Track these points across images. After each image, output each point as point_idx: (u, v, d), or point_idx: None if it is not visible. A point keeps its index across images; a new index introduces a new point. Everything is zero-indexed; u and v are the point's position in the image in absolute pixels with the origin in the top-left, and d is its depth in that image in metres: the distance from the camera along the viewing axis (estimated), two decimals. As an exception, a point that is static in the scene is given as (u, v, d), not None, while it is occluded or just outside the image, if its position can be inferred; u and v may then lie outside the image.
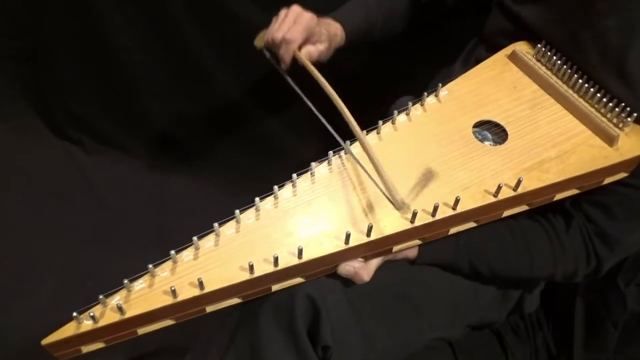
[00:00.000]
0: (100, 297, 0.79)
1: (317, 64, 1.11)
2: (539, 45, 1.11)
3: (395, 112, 1.04)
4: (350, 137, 0.98)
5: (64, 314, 0.78)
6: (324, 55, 1.16)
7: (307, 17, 1.11)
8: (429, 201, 0.90)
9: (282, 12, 1.13)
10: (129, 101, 1.90)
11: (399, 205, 0.90)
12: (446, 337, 1.27)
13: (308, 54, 1.11)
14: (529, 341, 1.49)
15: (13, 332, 1.55)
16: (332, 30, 1.19)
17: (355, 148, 0.99)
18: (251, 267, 0.82)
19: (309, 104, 1.07)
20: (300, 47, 1.10)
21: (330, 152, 0.97)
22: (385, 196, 0.91)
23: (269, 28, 1.14)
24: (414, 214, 0.87)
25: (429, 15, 1.38)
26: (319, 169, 0.97)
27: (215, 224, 0.87)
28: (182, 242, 0.87)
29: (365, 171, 0.95)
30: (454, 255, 1.06)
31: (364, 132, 1.01)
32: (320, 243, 0.87)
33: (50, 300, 1.62)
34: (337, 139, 1.00)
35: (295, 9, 1.12)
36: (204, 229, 0.88)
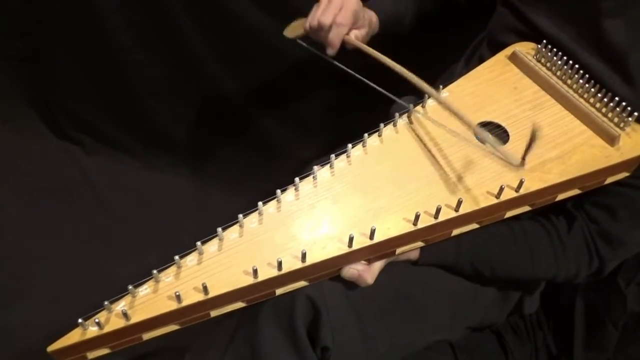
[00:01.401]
0: (105, 303, 0.79)
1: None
2: (540, 46, 1.11)
3: (397, 114, 1.04)
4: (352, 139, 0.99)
5: (64, 314, 0.78)
6: (364, 40, 1.16)
7: (354, 1, 1.10)
8: (431, 203, 0.90)
9: None
10: (129, 101, 1.90)
11: (516, 163, 0.94)
12: (447, 339, 1.27)
13: (355, 37, 1.11)
14: (529, 341, 1.50)
15: (13, 331, 1.55)
16: (368, 17, 1.19)
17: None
18: (255, 272, 0.82)
19: (366, 80, 1.08)
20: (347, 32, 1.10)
21: (332, 156, 0.97)
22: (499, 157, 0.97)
23: (310, 14, 1.12)
24: (417, 216, 0.88)
25: (446, 11, 1.39)
26: (322, 172, 0.97)
27: (219, 229, 0.87)
28: (182, 242, 0.87)
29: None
30: (456, 256, 1.06)
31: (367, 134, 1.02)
32: (324, 246, 0.87)
33: (50, 300, 1.62)
34: (403, 103, 1.05)
35: None
36: (204, 229, 0.88)
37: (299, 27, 1.18)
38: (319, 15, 1.08)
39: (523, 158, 0.93)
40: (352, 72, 1.09)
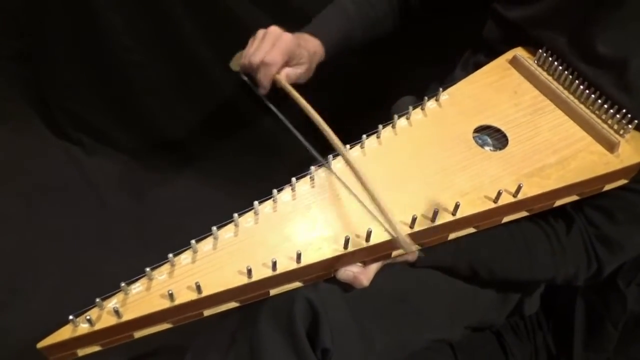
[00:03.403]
0: (97, 300, 0.78)
1: (296, 86, 1.08)
2: (540, 51, 1.10)
3: (396, 116, 1.04)
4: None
5: (64, 314, 0.77)
6: (303, 77, 1.14)
7: (288, 38, 1.08)
8: (428, 206, 0.90)
9: (260, 33, 1.09)
10: (129, 101, 1.90)
11: (406, 247, 0.84)
12: (445, 339, 1.27)
13: (286, 77, 1.09)
14: (529, 341, 1.50)
15: (13, 332, 1.54)
16: (311, 49, 1.16)
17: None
18: (249, 272, 0.82)
19: (289, 125, 1.06)
20: (278, 70, 1.08)
21: (330, 156, 0.97)
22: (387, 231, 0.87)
23: (245, 50, 1.11)
24: (413, 219, 0.87)
25: (419, 14, 1.36)
26: (319, 172, 0.97)
27: (214, 228, 0.87)
28: (182, 242, 0.86)
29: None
30: (454, 258, 1.06)
31: (358, 142, 1.01)
32: (319, 248, 0.86)
33: (49, 300, 1.62)
34: (318, 157, 0.98)
35: (274, 30, 1.08)
36: (204, 229, 0.88)
37: (237, 60, 1.16)
38: (250, 53, 1.08)
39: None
40: (285, 120, 1.07)
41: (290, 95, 1.05)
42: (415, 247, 0.89)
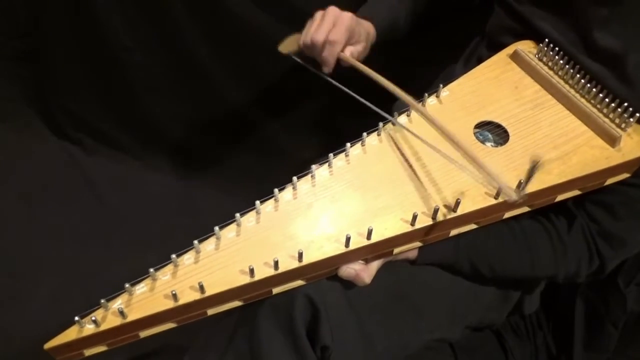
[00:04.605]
0: (102, 301, 0.79)
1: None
2: (541, 45, 1.10)
3: (396, 113, 1.04)
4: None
5: (64, 314, 0.78)
6: (362, 55, 1.14)
7: (348, 17, 1.08)
8: (429, 204, 0.90)
9: (319, 14, 1.09)
10: (129, 101, 1.90)
11: (510, 195, 0.86)
12: (446, 338, 1.27)
13: (350, 54, 1.09)
14: (529, 341, 1.50)
15: (13, 332, 1.54)
16: (366, 29, 1.16)
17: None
18: (252, 271, 0.82)
19: (357, 97, 1.05)
20: (342, 48, 1.08)
21: (331, 155, 0.97)
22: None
23: (304, 31, 1.10)
24: (414, 217, 0.87)
25: (443, 8, 1.38)
26: (320, 171, 0.97)
27: (216, 228, 0.87)
28: (182, 242, 0.87)
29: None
30: (455, 255, 1.06)
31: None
32: (321, 246, 0.87)
33: (50, 300, 1.62)
34: (385, 115, 1.00)
35: (334, 9, 1.08)
36: (204, 229, 0.88)
37: (293, 42, 1.15)
38: (312, 32, 1.07)
39: (520, 187, 0.88)
40: (349, 91, 1.07)
41: (359, 70, 1.06)
42: (516, 196, 0.86)
